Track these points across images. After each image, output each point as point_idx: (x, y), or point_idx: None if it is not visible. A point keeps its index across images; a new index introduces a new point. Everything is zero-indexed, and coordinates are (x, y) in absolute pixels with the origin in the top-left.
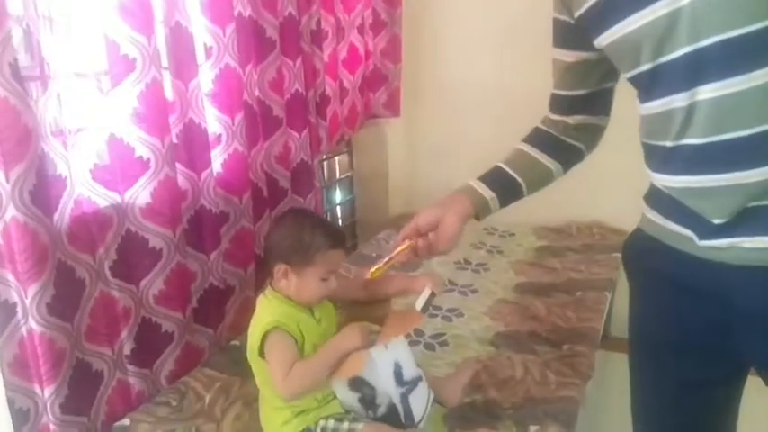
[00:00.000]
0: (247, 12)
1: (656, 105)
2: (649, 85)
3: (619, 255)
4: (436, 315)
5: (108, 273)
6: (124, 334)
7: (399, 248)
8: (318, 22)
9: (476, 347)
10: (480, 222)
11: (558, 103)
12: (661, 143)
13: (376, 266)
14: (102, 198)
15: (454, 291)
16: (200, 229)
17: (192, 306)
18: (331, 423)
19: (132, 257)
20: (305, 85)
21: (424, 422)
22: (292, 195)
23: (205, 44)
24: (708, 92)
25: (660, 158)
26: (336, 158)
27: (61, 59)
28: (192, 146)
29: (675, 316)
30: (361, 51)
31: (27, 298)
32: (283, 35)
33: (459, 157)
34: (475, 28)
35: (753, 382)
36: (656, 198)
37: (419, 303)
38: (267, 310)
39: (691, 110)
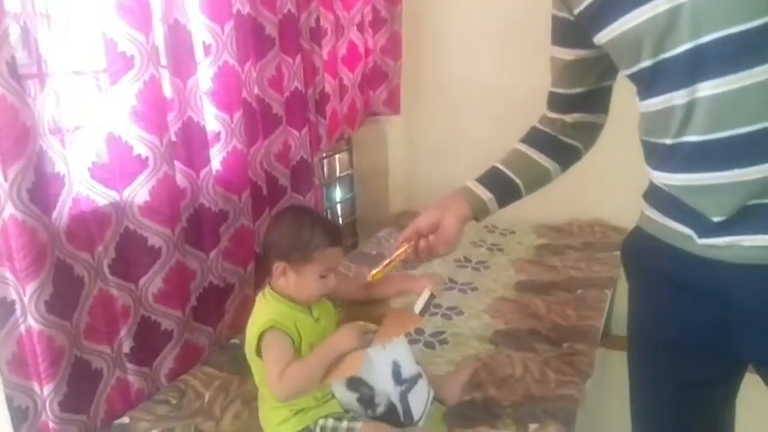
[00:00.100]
0: (246, 9)
1: (655, 102)
2: (649, 82)
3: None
4: (436, 313)
5: (107, 271)
6: (123, 332)
7: (399, 251)
8: (318, 20)
9: (475, 345)
10: (481, 221)
11: (557, 102)
12: (661, 141)
13: (376, 269)
14: (100, 196)
15: (454, 289)
16: (199, 227)
17: (192, 304)
18: (330, 422)
19: (131, 256)
20: (304, 82)
21: (423, 420)
22: (292, 193)
23: (204, 42)
24: (708, 89)
25: (660, 156)
26: (336, 156)
27: (59, 57)
28: (191, 144)
29: (674, 314)
30: (361, 49)
31: (25, 296)
32: (282, 32)
33: (460, 154)
34: (475, 25)
35: (751, 380)
36: (655, 196)
37: (418, 306)
38: (264, 310)
39: (690, 107)
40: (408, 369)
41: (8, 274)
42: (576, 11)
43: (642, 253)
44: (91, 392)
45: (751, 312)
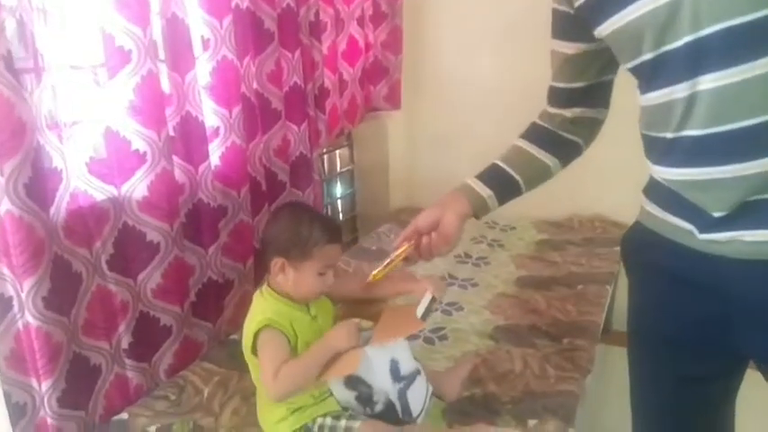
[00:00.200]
0: (245, 3)
1: (656, 96)
2: (650, 76)
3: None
4: (436, 309)
5: (105, 267)
6: (122, 328)
7: (400, 250)
8: (317, 14)
9: (475, 341)
10: (481, 218)
11: (557, 96)
12: (661, 135)
13: (377, 269)
14: (98, 191)
15: (454, 285)
16: (198, 222)
17: (191, 300)
18: (328, 421)
19: (129, 251)
20: (304, 77)
21: (422, 416)
22: (291, 189)
23: (202, 36)
24: (708, 82)
25: (660, 150)
26: (337, 152)
27: (56, 51)
28: (190, 139)
29: (674, 309)
30: (361, 43)
31: (23, 292)
32: (282, 27)
33: (461, 149)
34: (476, 20)
35: (751, 378)
36: (655, 191)
37: (420, 310)
38: (261, 308)
39: (691, 100)
40: (407, 366)
41: (5, 270)
42: (577, 4)
43: (642, 248)
44: (89, 388)
45: (751, 307)
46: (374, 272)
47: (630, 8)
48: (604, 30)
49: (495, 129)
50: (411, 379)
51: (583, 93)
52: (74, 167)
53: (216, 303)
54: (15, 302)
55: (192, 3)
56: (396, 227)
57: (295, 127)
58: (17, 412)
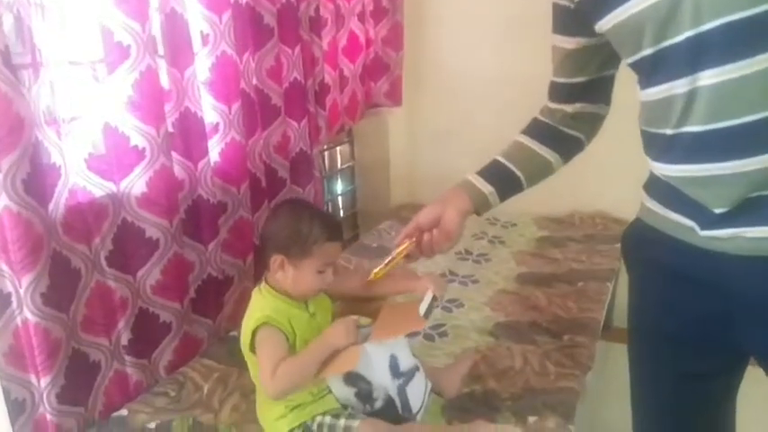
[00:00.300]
0: None
1: (656, 91)
2: (651, 71)
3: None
4: (436, 306)
5: (104, 263)
6: (121, 324)
7: (401, 248)
8: (317, 9)
9: (475, 338)
10: (483, 214)
11: (558, 91)
12: (661, 131)
13: (378, 267)
14: (97, 187)
15: (455, 281)
16: (197, 219)
17: (190, 296)
18: (328, 420)
19: (129, 247)
20: (304, 73)
21: (422, 413)
22: (291, 185)
23: (201, 31)
24: (708, 77)
25: (660, 147)
26: (338, 148)
27: (54, 47)
28: (189, 135)
29: (675, 306)
30: (362, 39)
31: (21, 288)
32: (281, 22)
33: (462, 146)
34: (477, 15)
35: (752, 375)
36: (655, 187)
37: (422, 309)
38: (259, 305)
39: (691, 96)
40: (405, 362)
41: (4, 266)
42: None
43: (642, 244)
44: (89, 385)
45: (752, 304)
46: (375, 270)
47: (631, 2)
48: (605, 24)
49: (496, 125)
50: (410, 375)
51: (584, 88)
52: (72, 163)
53: (216, 300)
54: (14, 298)
55: None
56: (396, 224)
57: (295, 123)
58: (16, 408)
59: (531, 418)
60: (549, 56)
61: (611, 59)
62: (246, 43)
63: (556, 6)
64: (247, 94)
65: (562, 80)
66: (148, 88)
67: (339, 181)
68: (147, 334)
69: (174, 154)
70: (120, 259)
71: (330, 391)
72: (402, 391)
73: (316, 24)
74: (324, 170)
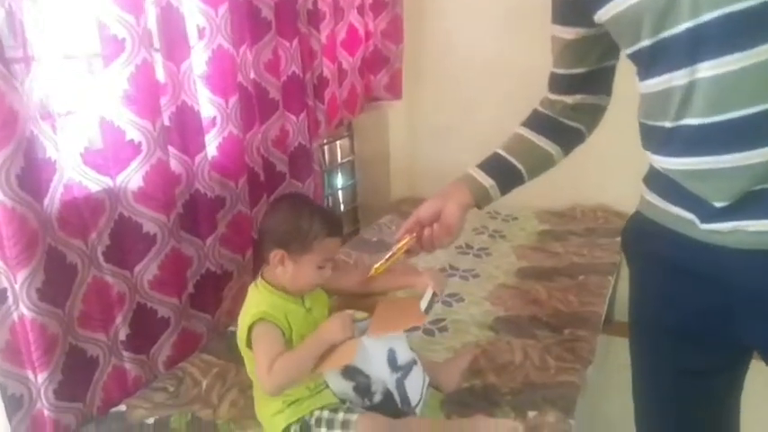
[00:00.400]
0: None
1: (655, 83)
2: (649, 62)
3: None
4: (436, 302)
5: (101, 258)
6: (119, 320)
7: (402, 243)
8: (315, 2)
9: (475, 332)
10: (484, 208)
11: (558, 83)
12: (660, 123)
13: (379, 263)
14: (93, 182)
15: (455, 275)
16: (195, 213)
17: (189, 292)
18: (326, 414)
19: (126, 243)
20: (302, 66)
21: (420, 407)
22: (291, 180)
23: (197, 25)
24: (707, 69)
25: (659, 140)
26: (337, 142)
27: (48, 40)
28: (185, 129)
29: (675, 300)
30: (361, 32)
31: (17, 284)
32: (279, 15)
33: (463, 139)
34: (478, 8)
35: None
36: (655, 180)
37: (423, 304)
38: (255, 301)
39: (690, 88)
40: (403, 355)
41: None
42: None
43: (642, 238)
44: (86, 380)
45: (753, 297)
46: (376, 265)
47: None
48: (604, 14)
49: (497, 118)
50: (408, 369)
51: (583, 79)
52: (68, 158)
53: (214, 295)
54: (10, 294)
55: None
56: (397, 218)
57: (293, 117)
58: (13, 404)
59: (531, 413)
60: (550, 47)
61: (612, 50)
62: (243, 36)
63: None
64: (245, 87)
65: (562, 71)
66: (144, 82)
67: (339, 175)
68: (145, 329)
69: (170, 148)
70: (118, 254)
71: (327, 386)
72: (401, 384)
73: (314, 17)
74: (324, 164)
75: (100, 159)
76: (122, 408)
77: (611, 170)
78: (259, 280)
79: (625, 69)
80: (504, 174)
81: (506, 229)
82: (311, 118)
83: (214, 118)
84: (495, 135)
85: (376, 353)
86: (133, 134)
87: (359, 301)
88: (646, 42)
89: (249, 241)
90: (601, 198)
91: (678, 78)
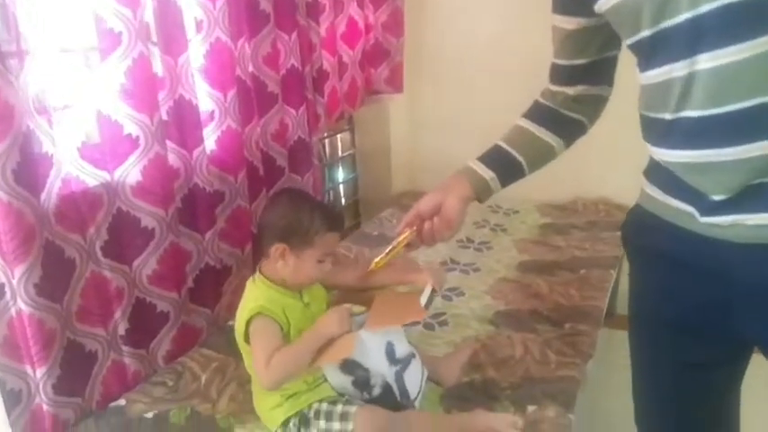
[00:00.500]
0: None
1: (655, 74)
2: (649, 53)
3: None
4: (436, 296)
5: (99, 253)
6: (118, 314)
7: (402, 237)
8: None
9: (475, 327)
10: (485, 201)
11: (559, 73)
12: (660, 115)
13: (379, 257)
14: (90, 177)
15: (456, 270)
16: (193, 208)
17: (188, 286)
18: (324, 406)
19: (124, 237)
20: (301, 60)
21: (419, 400)
22: (290, 174)
23: (195, 18)
24: (707, 61)
25: (659, 132)
26: (338, 136)
27: (42, 34)
28: (183, 123)
29: (674, 293)
30: (361, 25)
31: (14, 278)
32: (278, 8)
33: (464, 133)
34: (479, 1)
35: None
36: (655, 173)
37: (423, 300)
38: (253, 295)
39: (689, 80)
40: (402, 349)
41: None
42: None
43: (642, 231)
44: (85, 375)
45: (752, 291)
46: (376, 259)
47: None
48: (604, 4)
49: (498, 111)
50: (407, 362)
51: (585, 69)
52: (65, 152)
53: (214, 289)
54: (7, 289)
55: None
56: (398, 211)
57: (293, 110)
58: (12, 399)
59: (531, 407)
60: (551, 39)
61: (613, 40)
62: (241, 29)
63: None
64: (243, 81)
65: (563, 62)
66: (141, 76)
67: (340, 169)
68: (144, 324)
69: (168, 142)
70: (116, 249)
71: (325, 380)
72: (399, 377)
73: (313, 10)
74: (324, 158)
75: (97, 154)
76: (122, 402)
77: (613, 163)
78: (257, 275)
79: (628, 61)
80: (505, 166)
81: (508, 223)
82: (311, 111)
83: (212, 112)
84: (496, 128)
85: (374, 346)
86: (131, 128)
87: (357, 295)
88: (645, 33)
89: (248, 236)
90: (603, 191)
91: (678, 70)
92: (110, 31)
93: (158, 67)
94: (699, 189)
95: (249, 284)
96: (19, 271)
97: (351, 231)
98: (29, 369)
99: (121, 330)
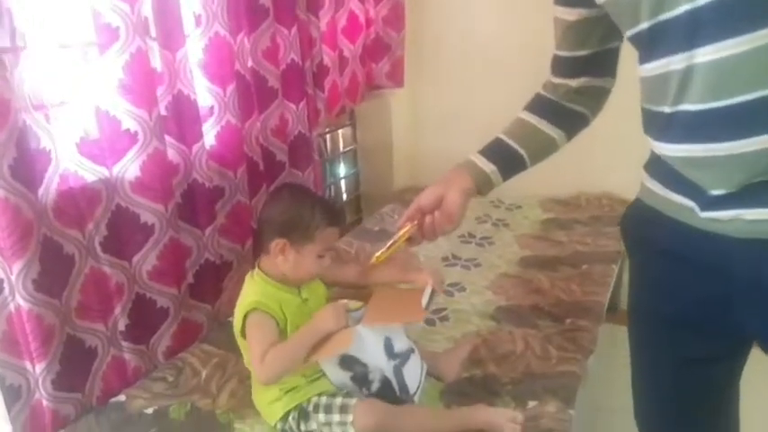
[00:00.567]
0: None
1: (653, 67)
2: (648, 45)
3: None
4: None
5: (98, 248)
6: (118, 310)
7: (403, 231)
8: None
9: (476, 322)
10: (486, 195)
11: (561, 65)
12: (659, 109)
13: (380, 251)
14: (89, 172)
15: (457, 265)
16: (193, 203)
17: (188, 282)
18: (324, 399)
19: (123, 233)
20: (301, 54)
21: (419, 394)
22: (290, 169)
23: (194, 12)
24: (705, 54)
25: (659, 126)
26: (339, 131)
27: (38, 29)
28: (182, 118)
29: (674, 288)
30: (362, 19)
31: (12, 274)
32: (277, 2)
33: (467, 127)
34: None
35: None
36: (656, 167)
37: (424, 301)
38: (251, 290)
39: (688, 73)
40: (400, 343)
41: None
42: None
43: (641, 225)
44: (85, 370)
45: (752, 287)
46: (377, 254)
47: None
48: None
49: (501, 106)
50: (406, 357)
51: (587, 61)
52: (63, 148)
53: (214, 285)
54: (6, 285)
55: None
56: (399, 207)
57: (293, 105)
58: (12, 394)
59: (531, 403)
60: (553, 33)
61: (615, 31)
62: (240, 24)
63: None
64: (242, 76)
65: (565, 53)
66: (139, 71)
67: (341, 164)
68: (144, 320)
69: (167, 138)
70: (115, 245)
71: (324, 375)
72: (398, 371)
73: (313, 4)
74: (326, 153)
75: (96, 149)
76: (122, 398)
77: (616, 157)
78: (255, 270)
79: (631, 54)
80: (506, 159)
81: (510, 218)
82: (311, 106)
83: (212, 107)
84: (498, 123)
85: (372, 341)
86: (129, 124)
87: (357, 291)
88: (644, 25)
89: (249, 231)
90: (606, 186)
91: (676, 63)
92: (107, 25)
93: (157, 62)
94: (698, 184)
95: (248, 280)
96: (17, 266)
97: (352, 227)
98: (28, 365)
99: (121, 326)
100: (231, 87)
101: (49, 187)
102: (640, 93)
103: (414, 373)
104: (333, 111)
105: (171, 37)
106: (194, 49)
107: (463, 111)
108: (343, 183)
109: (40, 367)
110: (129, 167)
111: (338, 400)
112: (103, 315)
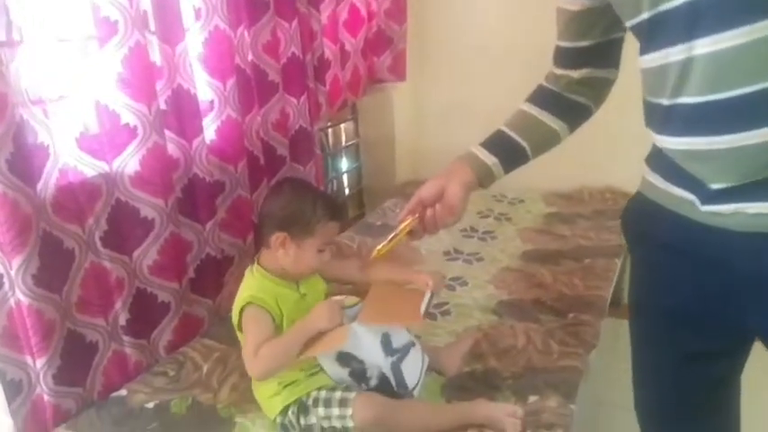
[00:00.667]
0: None
1: (653, 58)
2: (648, 36)
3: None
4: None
5: (99, 243)
6: (118, 305)
7: (404, 224)
8: None
9: (478, 316)
10: (489, 189)
11: (563, 56)
12: (658, 101)
13: (381, 244)
14: (89, 167)
15: (459, 259)
16: (193, 198)
17: (189, 276)
18: (323, 393)
19: (124, 228)
20: (302, 48)
21: (419, 389)
22: (291, 163)
23: (193, 5)
24: (704, 45)
25: (659, 118)
26: (342, 125)
27: (35, 23)
28: (182, 112)
29: (675, 282)
30: (364, 12)
31: (12, 269)
32: None
33: (469, 121)
34: None
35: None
36: (657, 160)
37: (422, 307)
38: (248, 285)
39: (687, 64)
40: (399, 338)
41: None
42: None
43: (643, 219)
44: (86, 365)
45: (754, 281)
46: (378, 247)
47: None
48: None
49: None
50: (405, 351)
51: (589, 52)
52: (62, 143)
53: (215, 279)
54: (6, 280)
55: None
56: (401, 201)
57: (294, 99)
58: (13, 389)
59: (532, 398)
60: (555, 25)
61: (617, 22)
62: (241, 17)
63: None
64: (243, 70)
65: (567, 44)
66: (138, 65)
67: (343, 158)
68: (145, 314)
69: (167, 132)
70: (116, 240)
71: (322, 369)
72: (396, 367)
73: None
74: (328, 147)
75: (95, 144)
76: (123, 392)
77: (619, 151)
78: (255, 265)
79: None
80: (508, 151)
81: (512, 212)
82: (312, 100)
83: (212, 101)
84: (501, 116)
85: (368, 337)
86: (128, 118)
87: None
88: (645, 15)
89: (250, 226)
90: (609, 180)
91: (675, 54)
92: (106, 19)
93: (156, 56)
94: (698, 177)
95: (247, 274)
96: (17, 261)
97: (355, 221)
98: (29, 359)
99: (122, 321)
100: (231, 81)
101: (48, 182)
102: (642, 85)
103: (413, 369)
104: (334, 105)
105: (170, 30)
106: (194, 42)
107: (466, 104)
108: (345, 177)
109: (40, 362)
110: (129, 162)
111: (337, 394)
112: (104, 310)
